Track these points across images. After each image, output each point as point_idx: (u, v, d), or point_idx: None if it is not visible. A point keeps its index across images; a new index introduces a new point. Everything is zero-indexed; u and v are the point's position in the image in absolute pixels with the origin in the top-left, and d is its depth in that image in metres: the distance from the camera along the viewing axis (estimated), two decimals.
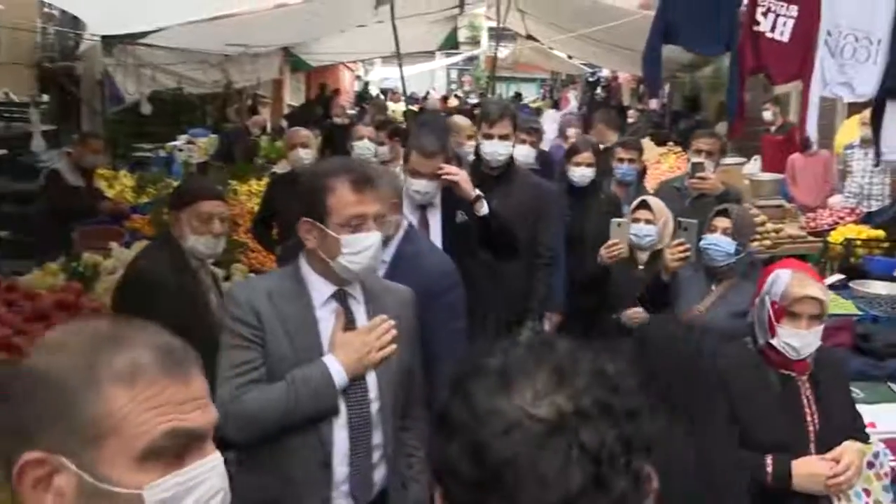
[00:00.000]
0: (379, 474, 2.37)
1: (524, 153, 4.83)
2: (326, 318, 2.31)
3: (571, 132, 8.66)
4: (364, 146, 6.19)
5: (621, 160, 5.20)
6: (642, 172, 5.92)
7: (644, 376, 0.98)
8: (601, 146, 5.57)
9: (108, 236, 5.62)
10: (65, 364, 1.03)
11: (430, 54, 21.60)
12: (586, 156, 4.93)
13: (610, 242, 4.14)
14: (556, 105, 19.89)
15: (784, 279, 2.70)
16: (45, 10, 10.04)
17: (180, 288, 3.12)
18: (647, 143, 9.01)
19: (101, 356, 1.03)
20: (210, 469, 1.09)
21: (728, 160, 8.25)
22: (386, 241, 2.96)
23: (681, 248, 3.57)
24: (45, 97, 8.84)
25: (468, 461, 0.88)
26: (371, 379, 2.32)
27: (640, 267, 4.17)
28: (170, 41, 9.25)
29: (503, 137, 4.21)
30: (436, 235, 3.69)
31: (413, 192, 3.60)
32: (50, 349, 1.06)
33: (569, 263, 4.58)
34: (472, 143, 5.02)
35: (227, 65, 11.55)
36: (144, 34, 8.70)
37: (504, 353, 0.95)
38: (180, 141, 10.51)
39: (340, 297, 2.34)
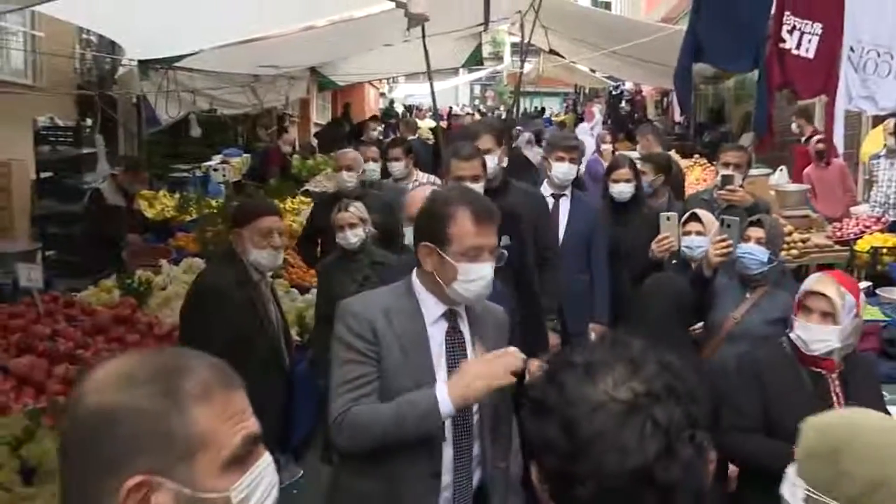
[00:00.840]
0: (475, 479, 2.51)
1: (563, 170, 4.89)
2: (435, 334, 2.44)
3: (605, 147, 8.84)
4: (370, 168, 6.20)
5: (643, 173, 5.38)
6: (678, 186, 6.09)
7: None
8: None
9: (156, 254, 5.85)
10: (145, 396, 1.11)
11: (454, 70, 21.85)
12: (623, 172, 5.07)
13: (660, 236, 4.28)
14: (580, 119, 20.02)
15: (811, 279, 2.88)
16: (84, 36, 10.33)
17: (244, 300, 3.33)
18: (672, 155, 9.12)
19: (176, 383, 1.13)
20: (267, 466, 1.22)
21: (753, 171, 8.35)
22: None
23: (723, 243, 3.72)
24: (89, 121, 9.13)
25: (562, 436, 1.07)
26: None
27: None
28: (203, 65, 9.53)
29: (486, 152, 4.36)
30: None
31: None
32: (119, 385, 1.13)
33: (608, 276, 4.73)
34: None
35: (257, 86, 11.83)
36: (179, 58, 8.97)
37: (589, 351, 1.16)
38: (215, 161, 10.77)
39: (450, 316, 2.46)
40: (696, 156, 11.23)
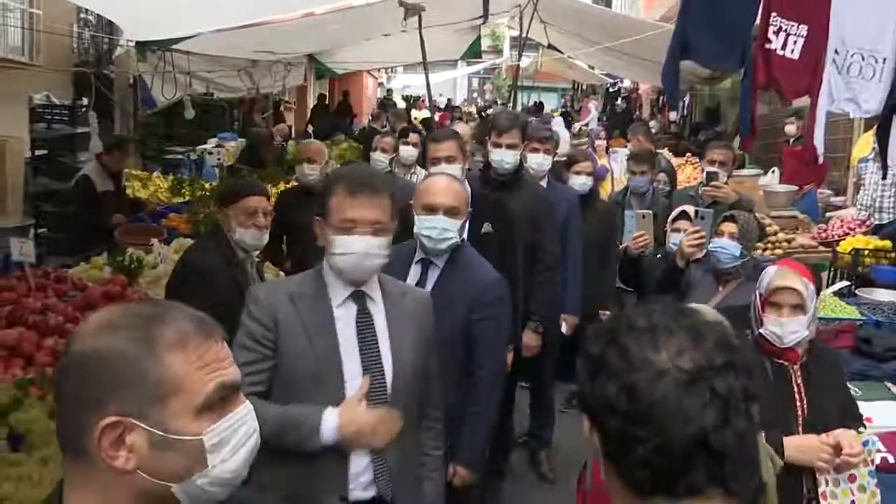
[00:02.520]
0: (394, 466, 2.44)
1: (538, 161, 4.97)
2: (343, 316, 2.41)
3: (599, 143, 8.96)
4: (377, 157, 6.11)
5: (633, 172, 5.49)
6: (670, 183, 6.26)
7: None
8: None
9: (148, 233, 5.92)
10: (123, 341, 1.19)
11: (452, 63, 21.88)
12: (585, 165, 5.19)
13: (636, 234, 4.40)
14: (565, 115, 20.10)
15: (770, 274, 2.96)
16: (82, 15, 10.35)
17: (228, 278, 3.39)
18: (665, 153, 9.21)
19: (153, 330, 1.20)
20: (246, 414, 1.28)
21: (744, 172, 8.44)
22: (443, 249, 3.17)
23: (696, 234, 3.83)
24: (85, 100, 9.16)
25: (624, 398, 1.13)
26: (388, 377, 2.41)
27: None
28: (200, 47, 9.56)
29: (511, 147, 4.44)
30: None
31: None
32: (102, 331, 1.21)
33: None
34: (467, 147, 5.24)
35: (254, 71, 11.86)
36: (177, 40, 8.99)
37: (649, 315, 1.20)
38: (210, 144, 10.81)
39: (358, 297, 2.43)
40: (689, 154, 11.32)
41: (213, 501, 1.27)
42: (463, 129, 5.79)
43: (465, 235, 3.30)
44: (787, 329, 2.86)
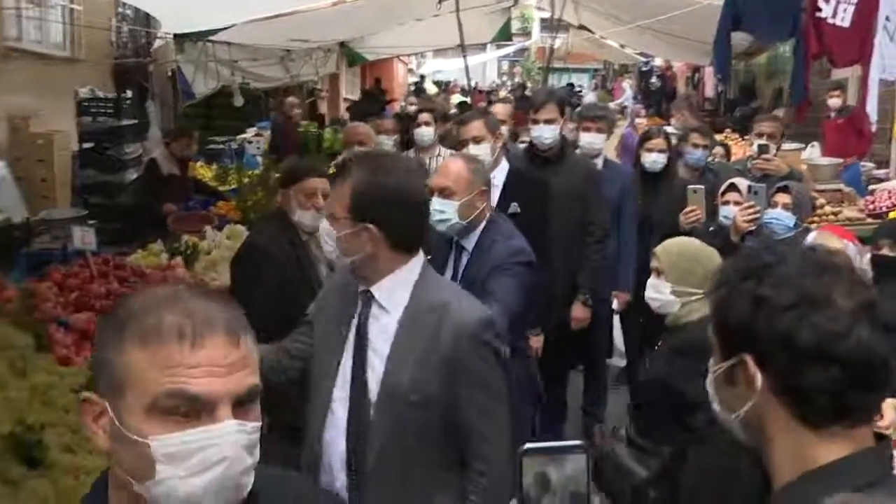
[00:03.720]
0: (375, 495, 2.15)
1: (589, 140, 5.01)
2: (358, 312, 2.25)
3: (639, 121, 8.93)
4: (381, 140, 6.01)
5: (696, 145, 5.42)
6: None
7: None
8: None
9: (198, 221, 6.05)
10: (114, 320, 1.17)
11: (482, 46, 21.84)
12: (657, 142, 5.15)
13: (688, 209, 4.41)
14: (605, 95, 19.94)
15: (810, 239, 3.02)
16: (120, 9, 10.49)
17: (288, 258, 3.46)
18: None
19: (135, 317, 1.15)
20: (218, 436, 1.12)
21: (786, 146, 8.36)
22: (471, 229, 3.23)
23: (751, 210, 3.83)
24: (129, 93, 9.32)
25: (812, 333, 1.18)
26: (372, 397, 2.16)
27: None
28: (236, 38, 9.66)
29: (548, 122, 4.47)
30: None
31: None
32: (120, 304, 1.21)
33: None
34: (505, 128, 5.21)
35: (288, 60, 11.97)
36: (213, 32, 9.10)
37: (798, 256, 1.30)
38: (249, 133, 10.95)
39: (365, 298, 2.22)
40: (728, 131, 11.23)
41: None
42: (502, 109, 5.72)
43: (486, 216, 3.30)
44: None
